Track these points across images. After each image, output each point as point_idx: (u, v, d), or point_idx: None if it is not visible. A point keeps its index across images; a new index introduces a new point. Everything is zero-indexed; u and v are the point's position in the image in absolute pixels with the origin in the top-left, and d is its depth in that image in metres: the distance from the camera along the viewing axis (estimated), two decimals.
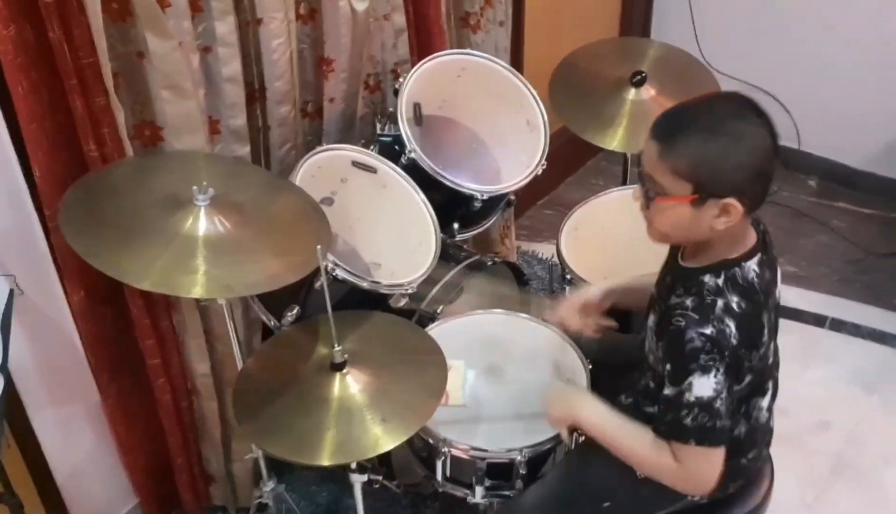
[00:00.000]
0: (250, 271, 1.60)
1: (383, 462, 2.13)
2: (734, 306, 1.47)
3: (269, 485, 2.05)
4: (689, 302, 1.48)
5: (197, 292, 1.52)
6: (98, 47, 1.59)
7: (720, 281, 1.49)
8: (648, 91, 2.34)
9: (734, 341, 1.45)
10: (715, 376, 1.44)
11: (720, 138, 1.41)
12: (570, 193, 3.53)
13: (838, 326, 2.99)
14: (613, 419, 1.63)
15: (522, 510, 1.81)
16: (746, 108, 1.44)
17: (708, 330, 1.44)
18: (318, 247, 1.55)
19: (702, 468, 1.51)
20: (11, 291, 1.70)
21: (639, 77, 2.32)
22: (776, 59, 3.51)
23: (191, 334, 2.04)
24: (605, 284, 1.89)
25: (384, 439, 1.58)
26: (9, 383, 1.80)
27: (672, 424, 1.49)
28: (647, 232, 1.56)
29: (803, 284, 3.17)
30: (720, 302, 1.47)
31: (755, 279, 1.52)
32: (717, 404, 1.45)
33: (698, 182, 1.42)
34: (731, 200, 1.42)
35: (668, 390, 1.49)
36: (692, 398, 1.45)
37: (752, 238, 1.55)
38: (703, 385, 1.44)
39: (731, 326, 1.45)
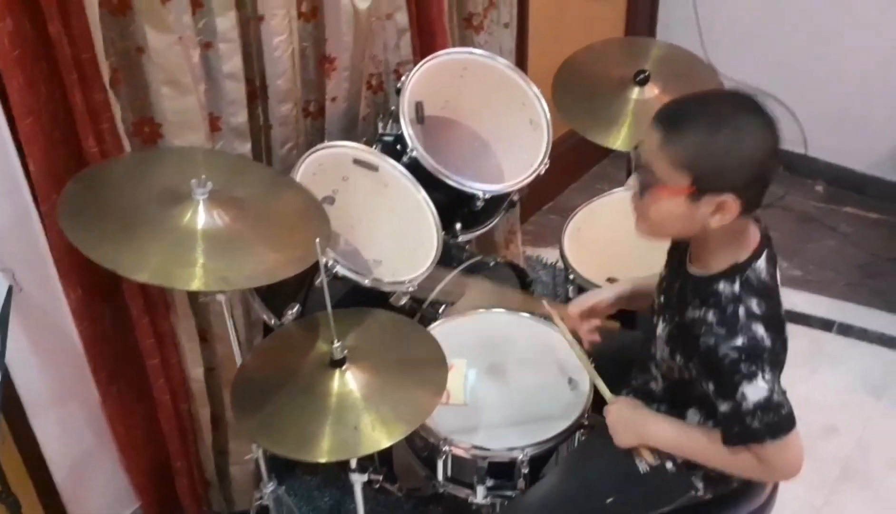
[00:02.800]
0: (249, 264, 1.58)
1: (384, 463, 2.10)
2: (755, 309, 1.45)
3: (269, 487, 2.02)
4: (710, 316, 1.45)
5: (195, 284, 1.50)
6: (95, 41, 1.58)
7: (736, 288, 1.46)
8: (652, 90, 2.32)
9: (767, 343, 1.43)
10: (763, 377, 1.41)
11: (725, 131, 1.39)
12: (574, 199, 3.50)
13: (846, 330, 2.97)
14: (684, 432, 1.61)
15: (525, 509, 1.78)
16: (753, 107, 1.41)
17: (739, 341, 1.42)
18: (317, 240, 1.53)
19: (784, 458, 1.49)
20: (10, 287, 1.69)
21: (642, 76, 2.30)
22: (782, 63, 3.50)
23: (185, 338, 2.02)
24: (615, 288, 1.87)
25: (384, 435, 1.55)
26: (7, 379, 1.80)
27: (742, 433, 1.46)
28: (636, 226, 1.53)
29: (811, 288, 3.15)
30: (741, 309, 1.44)
31: (767, 278, 1.50)
32: (775, 398, 1.42)
33: (698, 175, 1.39)
34: (728, 198, 1.39)
35: (723, 407, 1.46)
36: (750, 406, 1.42)
37: (756, 236, 1.53)
38: (755, 390, 1.41)
39: (760, 329, 1.43)
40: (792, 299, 3.07)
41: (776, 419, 1.43)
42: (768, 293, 1.48)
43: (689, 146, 1.40)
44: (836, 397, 2.72)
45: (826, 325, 2.99)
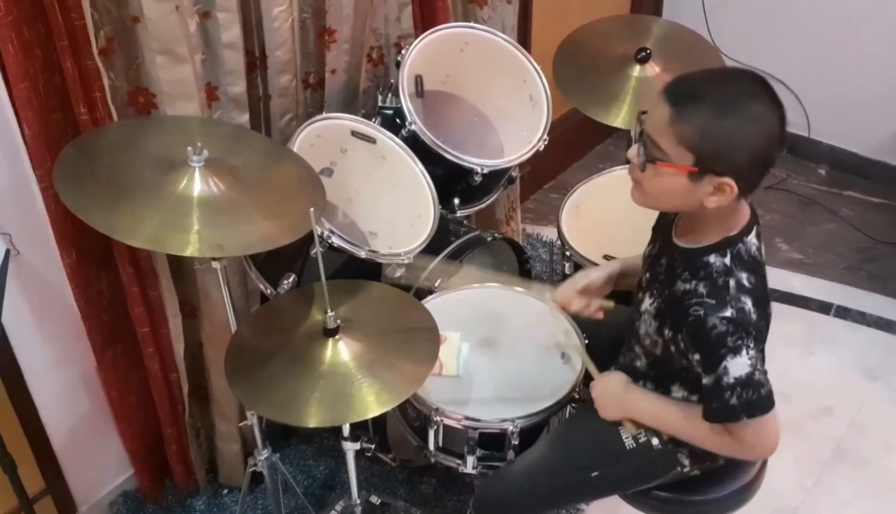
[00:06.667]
0: (243, 232, 1.59)
1: (377, 433, 2.12)
2: (745, 282, 1.46)
3: (263, 453, 2.04)
4: (701, 288, 1.46)
5: (189, 250, 1.51)
6: (84, 8, 1.57)
7: (727, 260, 1.47)
8: (653, 68, 2.31)
9: (754, 317, 1.45)
10: (747, 353, 1.43)
11: (734, 116, 1.38)
12: (576, 178, 3.47)
13: (844, 313, 2.98)
14: (666, 408, 1.63)
15: (511, 477, 1.80)
16: (764, 91, 1.40)
17: (728, 313, 1.43)
18: (311, 210, 1.54)
19: (760, 437, 1.51)
20: (7, 250, 1.71)
21: (643, 53, 2.29)
22: (787, 46, 3.49)
23: (170, 312, 2.03)
24: (607, 267, 1.87)
25: (374, 403, 1.57)
26: (4, 341, 1.82)
27: (719, 410, 1.48)
28: (633, 195, 1.53)
29: (810, 271, 3.16)
30: (732, 282, 1.46)
31: (756, 253, 1.51)
32: (757, 375, 1.44)
33: (702, 156, 1.39)
34: (728, 180, 1.39)
35: (705, 380, 1.48)
36: (731, 380, 1.44)
37: (746, 211, 1.54)
38: (739, 365, 1.43)
39: (748, 302, 1.45)
40: (790, 282, 3.09)
41: (755, 398, 1.44)
42: (757, 268, 1.50)
43: (697, 127, 1.39)
44: (831, 379, 2.74)
45: (824, 307, 3.00)
